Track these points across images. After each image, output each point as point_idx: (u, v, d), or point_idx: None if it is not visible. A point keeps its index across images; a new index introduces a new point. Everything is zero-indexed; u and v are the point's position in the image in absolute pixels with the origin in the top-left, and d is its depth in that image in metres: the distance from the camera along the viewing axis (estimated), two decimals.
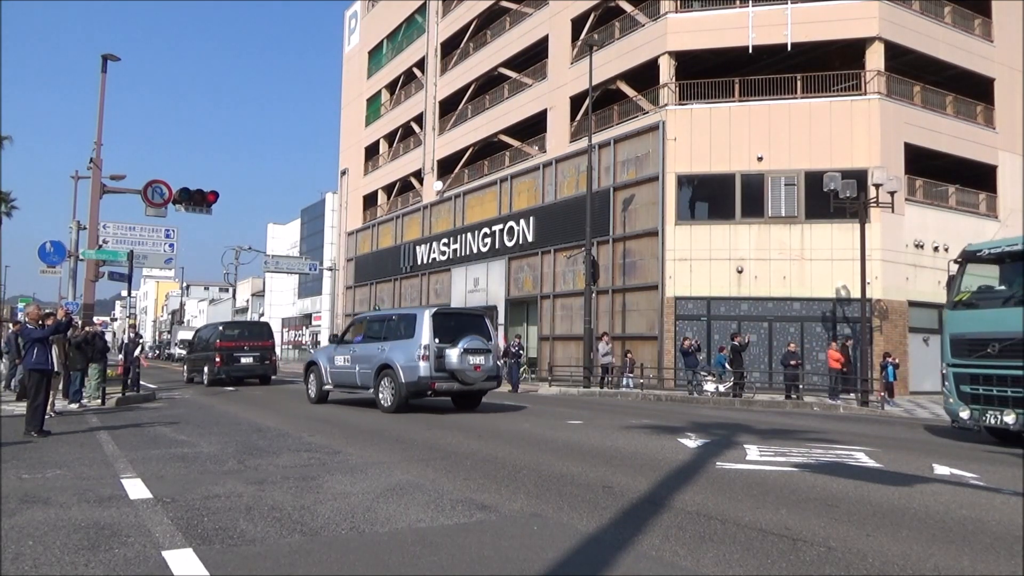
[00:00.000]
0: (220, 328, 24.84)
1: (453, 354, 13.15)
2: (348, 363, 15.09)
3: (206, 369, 23.15)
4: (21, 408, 11.22)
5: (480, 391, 14.30)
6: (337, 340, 16.38)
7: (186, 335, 50.03)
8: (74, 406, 13.57)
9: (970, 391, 10.76)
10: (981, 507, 5.61)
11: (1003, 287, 10.80)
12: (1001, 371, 10.34)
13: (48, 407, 10.74)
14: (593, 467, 7.15)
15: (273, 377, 24.16)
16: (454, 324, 13.93)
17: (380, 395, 13.82)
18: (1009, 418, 10.09)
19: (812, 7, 23.35)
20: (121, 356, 17.63)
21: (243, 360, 23.06)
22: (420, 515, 5.03)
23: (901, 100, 23.78)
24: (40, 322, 10.11)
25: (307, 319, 55.76)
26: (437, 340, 13.28)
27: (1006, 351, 10.26)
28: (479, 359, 13.46)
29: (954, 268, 11.55)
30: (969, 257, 11.40)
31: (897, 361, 20.66)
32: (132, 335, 18.77)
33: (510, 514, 5.13)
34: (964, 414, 10.66)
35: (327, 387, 15.64)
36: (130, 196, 19.32)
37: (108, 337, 20.78)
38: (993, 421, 10.27)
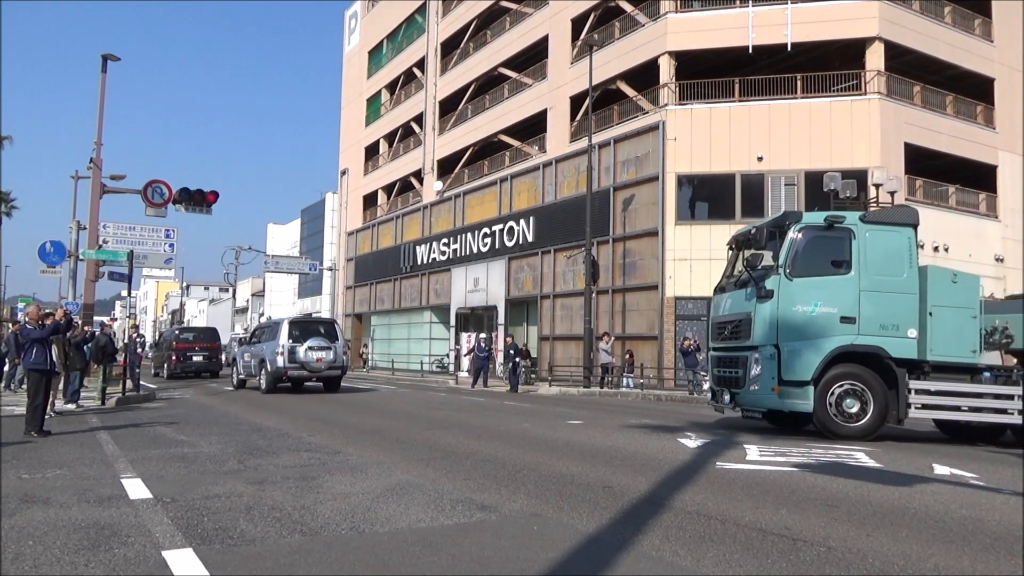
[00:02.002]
0: (176, 332, 31.14)
1: (300, 350, 18.15)
2: (249, 358, 20.27)
3: (165, 365, 28.35)
4: (21, 408, 11.21)
5: (328, 377, 19.03)
6: (247, 341, 21.76)
7: None
8: (71, 406, 13.54)
9: (715, 373, 11.32)
10: (981, 507, 5.61)
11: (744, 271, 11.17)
12: (729, 353, 10.84)
13: (48, 407, 10.73)
14: (593, 467, 7.15)
15: (221, 372, 29.12)
16: (306, 329, 19.01)
17: (260, 381, 19.06)
18: (726, 397, 10.69)
19: (812, 7, 23.35)
20: (123, 356, 17.63)
21: (194, 358, 28.28)
22: (420, 515, 5.03)
23: (901, 100, 23.78)
24: (40, 322, 10.11)
25: None
26: (291, 341, 18.23)
27: (734, 332, 10.70)
28: (321, 354, 18.34)
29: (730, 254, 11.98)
30: (731, 242, 11.74)
31: None
32: (134, 335, 18.80)
33: (510, 514, 5.13)
34: (708, 395, 11.13)
35: (241, 376, 21.04)
36: (130, 196, 19.38)
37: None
38: (722, 401, 10.86)
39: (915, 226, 10.25)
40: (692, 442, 9.12)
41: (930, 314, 9.88)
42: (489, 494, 5.79)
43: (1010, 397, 9.83)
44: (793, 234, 10.05)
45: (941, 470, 7.41)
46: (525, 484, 6.22)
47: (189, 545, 4.21)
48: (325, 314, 49.35)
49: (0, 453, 7.78)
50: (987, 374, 10.09)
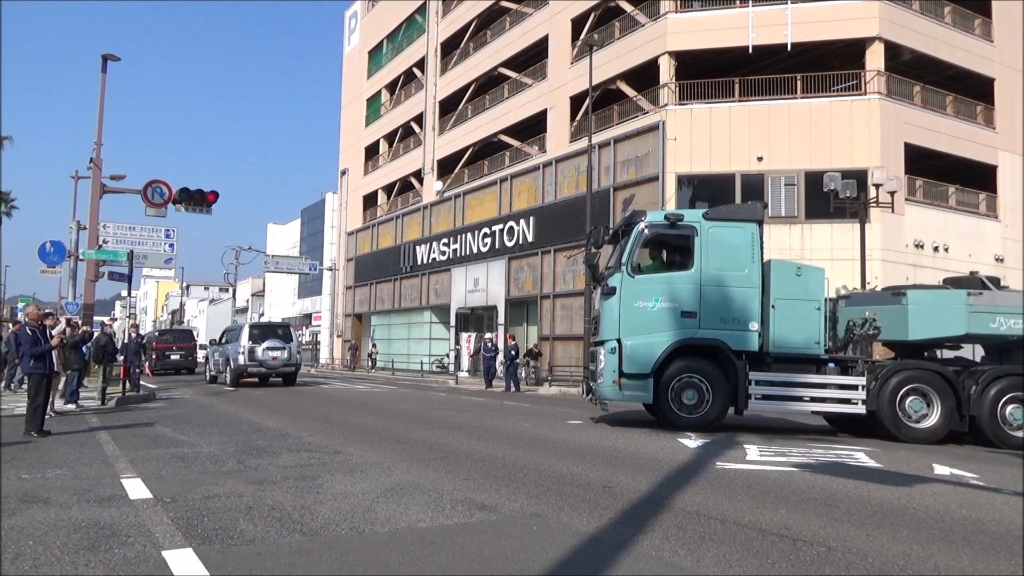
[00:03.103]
0: (156, 333, 35.63)
1: (259, 350, 21.11)
2: (218, 357, 23.21)
3: (147, 364, 29.45)
4: (21, 408, 11.20)
5: (284, 373, 22.01)
6: (217, 343, 24.36)
7: None
8: (71, 406, 13.53)
9: (589, 367, 11.87)
10: (981, 507, 5.61)
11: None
12: (592, 348, 11.21)
13: (48, 407, 10.73)
14: (593, 467, 7.15)
15: (196, 369, 31.65)
16: (264, 331, 22.17)
17: (226, 376, 22.07)
18: (586, 390, 11.13)
19: (812, 7, 23.35)
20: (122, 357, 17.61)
21: (172, 357, 31.42)
22: (420, 515, 5.03)
23: (901, 100, 23.78)
24: (39, 322, 10.11)
25: (307, 319, 55.78)
26: (250, 342, 21.14)
27: (595, 329, 11.12)
28: (276, 353, 21.36)
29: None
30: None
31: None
32: (134, 335, 18.78)
33: (510, 514, 5.13)
34: (581, 388, 11.60)
35: (212, 373, 23.90)
36: (130, 196, 19.40)
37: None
38: (586, 394, 11.38)
39: (759, 222, 10.44)
40: (692, 442, 9.11)
41: (773, 307, 10.13)
42: (489, 494, 5.78)
43: (855, 388, 10.01)
44: (636, 233, 10.38)
45: (941, 470, 7.41)
46: (525, 484, 6.22)
47: (189, 545, 4.21)
48: (325, 314, 49.48)
49: (0, 453, 7.78)
50: (831, 365, 10.29)
